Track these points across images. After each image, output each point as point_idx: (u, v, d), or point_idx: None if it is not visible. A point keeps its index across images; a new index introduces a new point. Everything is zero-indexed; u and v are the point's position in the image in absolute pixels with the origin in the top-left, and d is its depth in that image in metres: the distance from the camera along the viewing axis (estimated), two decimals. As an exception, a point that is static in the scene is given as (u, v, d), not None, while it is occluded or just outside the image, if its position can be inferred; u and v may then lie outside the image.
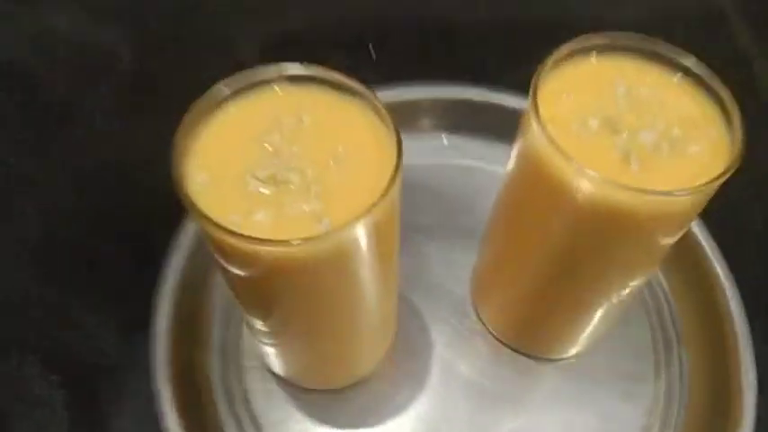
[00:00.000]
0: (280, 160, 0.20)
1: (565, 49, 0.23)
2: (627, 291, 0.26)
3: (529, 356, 0.30)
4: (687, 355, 0.31)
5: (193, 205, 0.19)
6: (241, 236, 0.18)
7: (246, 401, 0.29)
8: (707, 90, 0.23)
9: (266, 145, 0.21)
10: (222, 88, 0.21)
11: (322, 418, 0.29)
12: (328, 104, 0.22)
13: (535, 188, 0.24)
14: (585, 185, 0.21)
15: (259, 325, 0.25)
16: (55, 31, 0.39)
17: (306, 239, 0.18)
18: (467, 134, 0.36)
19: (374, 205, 0.19)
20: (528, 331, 0.30)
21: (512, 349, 0.31)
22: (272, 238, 0.18)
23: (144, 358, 0.29)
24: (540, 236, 0.25)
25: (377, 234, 0.20)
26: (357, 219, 0.19)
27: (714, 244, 0.32)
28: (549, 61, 0.22)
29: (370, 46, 0.40)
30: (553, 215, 0.23)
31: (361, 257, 0.21)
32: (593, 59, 0.23)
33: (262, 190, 0.20)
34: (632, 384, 0.30)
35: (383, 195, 0.19)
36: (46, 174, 0.33)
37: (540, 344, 0.30)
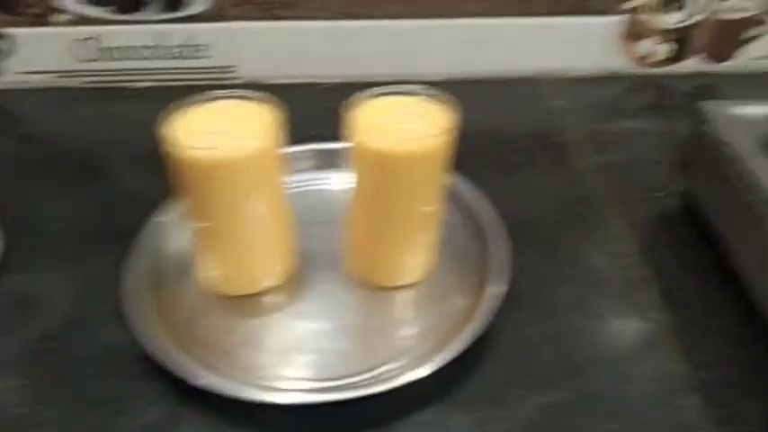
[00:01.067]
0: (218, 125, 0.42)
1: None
2: (421, 216, 0.45)
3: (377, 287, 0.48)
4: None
5: (167, 139, 0.40)
6: (184, 146, 0.39)
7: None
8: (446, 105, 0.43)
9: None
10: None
11: (234, 314, 0.47)
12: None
13: (354, 158, 0.44)
14: (370, 145, 0.41)
15: (197, 227, 0.44)
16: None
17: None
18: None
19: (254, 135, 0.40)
20: (371, 265, 0.48)
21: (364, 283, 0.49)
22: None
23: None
24: (363, 190, 0.44)
25: (258, 160, 0.41)
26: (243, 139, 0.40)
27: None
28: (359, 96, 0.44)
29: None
30: (363, 170, 0.43)
31: (249, 170, 0.41)
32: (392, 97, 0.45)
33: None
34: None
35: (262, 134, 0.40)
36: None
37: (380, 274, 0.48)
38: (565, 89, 0.73)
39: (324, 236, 0.52)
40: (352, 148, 0.44)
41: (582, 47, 0.73)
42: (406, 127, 0.42)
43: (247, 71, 0.73)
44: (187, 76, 0.72)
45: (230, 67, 0.72)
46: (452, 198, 0.51)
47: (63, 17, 0.68)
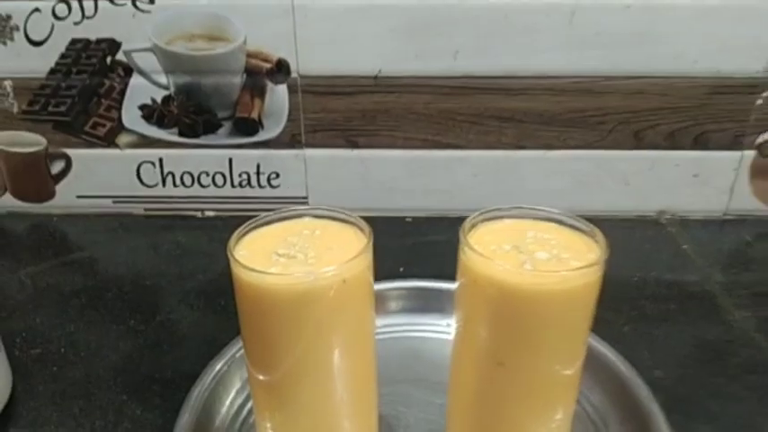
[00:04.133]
0: (294, 248, 0.32)
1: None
2: (559, 380, 0.33)
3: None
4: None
5: (233, 257, 0.31)
6: (255, 270, 0.29)
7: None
8: (588, 234, 0.33)
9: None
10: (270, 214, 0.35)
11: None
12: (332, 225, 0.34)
13: (468, 296, 0.33)
14: (494, 274, 0.30)
15: (259, 378, 0.33)
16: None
17: (292, 274, 0.29)
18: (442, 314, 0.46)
19: (343, 263, 0.30)
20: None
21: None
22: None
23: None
24: (477, 340, 0.33)
25: (345, 290, 0.30)
26: (331, 266, 0.30)
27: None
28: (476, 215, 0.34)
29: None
30: (482, 313, 0.32)
31: (334, 307, 0.30)
32: (509, 220, 0.35)
33: (279, 260, 0.31)
34: None
35: (351, 259, 0.30)
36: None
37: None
38: (691, 231, 0.62)
39: (418, 400, 0.40)
40: (463, 281, 0.33)
41: (707, 184, 0.63)
42: (540, 256, 0.32)
43: (322, 201, 0.65)
44: (255, 206, 0.65)
45: (303, 197, 0.65)
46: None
47: (128, 138, 0.63)
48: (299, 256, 0.32)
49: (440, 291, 0.47)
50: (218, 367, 0.40)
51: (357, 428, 0.36)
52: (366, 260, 0.31)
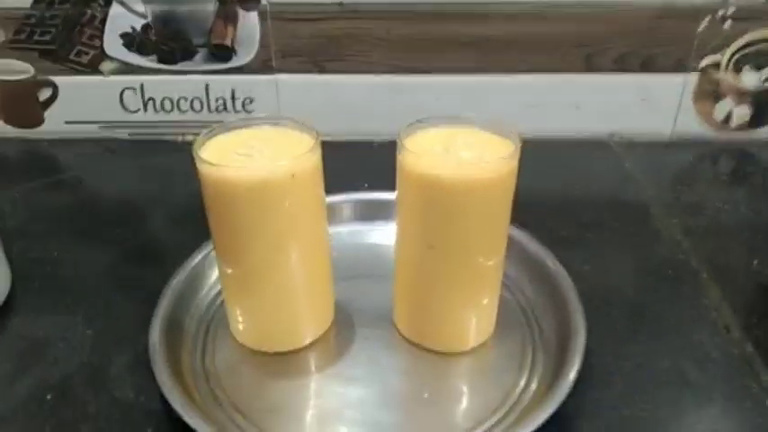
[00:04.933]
0: (252, 148, 0.37)
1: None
2: (483, 265, 0.38)
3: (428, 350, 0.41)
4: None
5: (198, 156, 0.35)
6: (216, 164, 0.34)
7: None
8: (508, 138, 0.38)
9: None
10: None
11: (264, 372, 0.40)
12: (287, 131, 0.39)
13: (403, 194, 0.38)
14: (423, 168, 0.35)
15: (227, 270, 0.39)
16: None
17: (250, 166, 0.34)
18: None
19: (295, 157, 0.35)
20: (424, 326, 0.41)
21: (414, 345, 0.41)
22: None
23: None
24: (414, 228, 0.38)
25: (297, 184, 0.35)
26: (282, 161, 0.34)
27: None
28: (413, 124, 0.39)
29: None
30: (416, 204, 0.37)
31: (288, 197, 0.35)
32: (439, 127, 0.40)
33: (238, 157, 0.36)
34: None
35: (300, 155, 0.35)
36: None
37: (433, 336, 0.41)
38: (638, 153, 0.67)
39: (369, 290, 0.46)
40: (401, 179, 0.38)
41: (653, 107, 0.67)
42: (465, 154, 0.37)
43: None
44: (231, 129, 0.69)
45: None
46: (516, 254, 0.45)
47: (111, 65, 0.67)
48: (255, 154, 0.36)
49: (390, 201, 0.52)
50: (191, 266, 0.46)
51: (316, 311, 0.42)
52: (315, 156, 0.36)
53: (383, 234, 0.50)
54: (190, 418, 0.34)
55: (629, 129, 0.69)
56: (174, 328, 0.41)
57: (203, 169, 0.36)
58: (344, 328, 0.43)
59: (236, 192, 0.35)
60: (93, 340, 0.43)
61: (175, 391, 0.36)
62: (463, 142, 0.38)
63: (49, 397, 0.38)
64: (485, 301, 0.41)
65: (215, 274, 0.46)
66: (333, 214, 0.46)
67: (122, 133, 0.71)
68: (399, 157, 0.37)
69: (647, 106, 0.67)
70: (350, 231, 0.52)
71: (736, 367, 0.40)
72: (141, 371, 0.39)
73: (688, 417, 0.37)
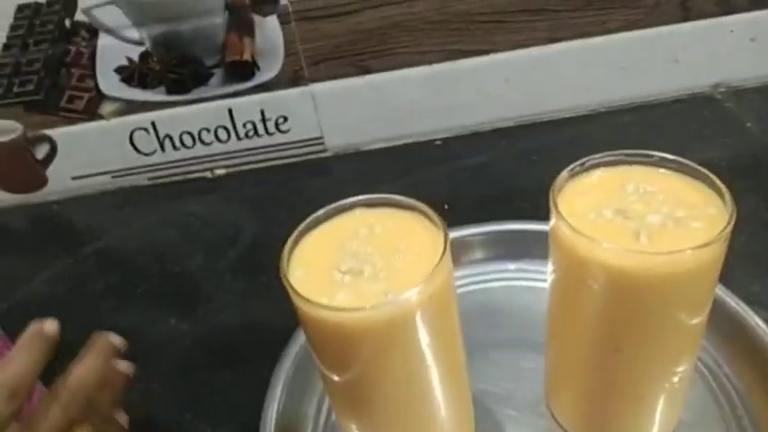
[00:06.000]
0: (357, 258, 0.27)
1: (578, 163, 0.29)
2: (675, 366, 0.28)
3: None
4: None
5: (293, 289, 0.25)
6: (326, 306, 0.24)
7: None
8: (699, 177, 0.28)
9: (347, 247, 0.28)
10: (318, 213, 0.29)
11: None
12: (392, 217, 0.29)
13: (569, 278, 0.28)
14: (605, 259, 0.25)
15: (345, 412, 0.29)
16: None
17: (373, 306, 0.24)
18: (530, 260, 0.41)
19: (426, 278, 0.25)
20: (598, 423, 0.32)
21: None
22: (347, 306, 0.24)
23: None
24: (585, 321, 0.28)
25: (432, 306, 0.25)
26: (412, 287, 0.24)
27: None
28: (565, 173, 0.29)
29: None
30: (588, 297, 0.27)
31: (422, 328, 0.26)
32: (602, 170, 0.29)
33: (344, 279, 0.26)
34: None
35: (433, 271, 0.25)
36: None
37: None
38: (750, 103, 0.56)
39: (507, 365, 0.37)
40: (562, 263, 0.28)
41: (766, 47, 0.56)
42: (652, 221, 0.26)
43: (338, 140, 0.59)
44: (267, 155, 0.59)
45: (317, 138, 0.58)
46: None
47: (112, 106, 0.56)
48: (365, 269, 0.26)
49: (510, 232, 0.42)
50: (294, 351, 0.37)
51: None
52: (448, 264, 0.26)
53: (503, 276, 0.41)
54: None
55: (737, 77, 0.57)
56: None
57: (300, 305, 0.26)
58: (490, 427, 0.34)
59: (356, 335, 0.25)
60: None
61: None
62: (639, 194, 0.27)
63: None
64: (677, 388, 0.31)
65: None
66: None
67: (141, 180, 0.60)
68: (559, 234, 0.27)
69: (756, 48, 0.55)
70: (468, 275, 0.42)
71: None
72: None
73: None
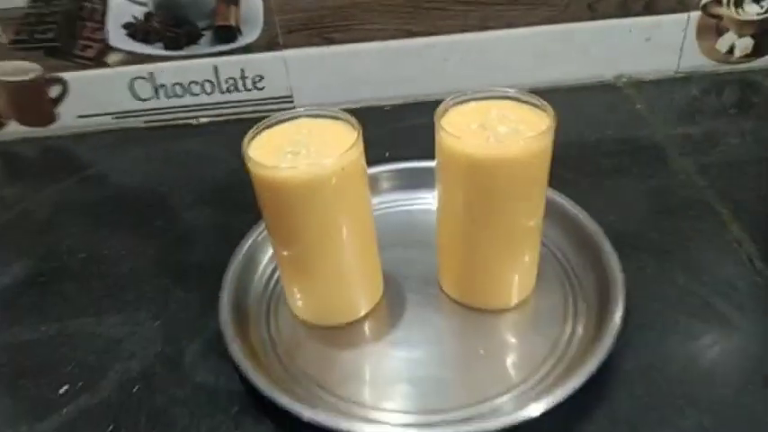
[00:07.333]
0: (297, 144, 0.39)
1: (458, 95, 0.41)
2: (520, 238, 0.41)
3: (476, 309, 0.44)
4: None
5: (250, 158, 0.37)
6: (269, 167, 0.36)
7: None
8: (539, 107, 0.39)
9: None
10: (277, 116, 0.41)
11: (329, 344, 0.43)
12: (325, 123, 0.40)
13: (446, 171, 0.40)
14: (467, 150, 0.37)
15: (284, 254, 0.41)
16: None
17: (301, 166, 0.36)
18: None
19: (340, 155, 0.36)
20: (468, 287, 0.44)
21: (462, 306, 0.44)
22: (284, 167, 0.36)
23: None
24: (454, 201, 0.40)
25: (345, 177, 0.37)
26: (331, 157, 0.36)
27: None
28: (448, 100, 0.40)
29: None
30: (455, 182, 0.39)
31: (336, 191, 0.37)
32: (474, 102, 0.41)
33: (287, 157, 0.38)
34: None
35: (345, 152, 0.37)
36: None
37: (480, 296, 0.44)
38: (645, 92, 0.69)
39: (413, 259, 0.48)
40: (441, 158, 0.40)
41: (658, 46, 0.68)
42: (501, 130, 0.38)
43: (305, 99, 0.70)
44: (244, 108, 0.70)
45: (287, 96, 0.70)
46: (550, 212, 0.47)
47: (118, 56, 0.67)
48: (302, 151, 0.38)
49: (422, 169, 0.54)
50: (244, 249, 0.48)
51: (367, 285, 0.44)
52: (359, 149, 0.38)
53: (420, 202, 0.53)
54: (276, 394, 0.37)
55: (636, 70, 0.70)
56: (238, 310, 0.44)
57: (255, 170, 0.37)
58: (395, 296, 0.46)
59: (290, 190, 0.37)
60: (163, 331, 0.45)
61: (256, 370, 0.38)
62: (498, 117, 0.39)
63: (135, 389, 0.41)
64: (526, 260, 0.43)
65: (266, 254, 0.49)
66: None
67: (137, 122, 0.71)
68: (438, 138, 0.39)
69: (651, 46, 0.68)
70: (387, 201, 0.54)
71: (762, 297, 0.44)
72: (214, 356, 0.42)
73: (723, 354, 0.41)
